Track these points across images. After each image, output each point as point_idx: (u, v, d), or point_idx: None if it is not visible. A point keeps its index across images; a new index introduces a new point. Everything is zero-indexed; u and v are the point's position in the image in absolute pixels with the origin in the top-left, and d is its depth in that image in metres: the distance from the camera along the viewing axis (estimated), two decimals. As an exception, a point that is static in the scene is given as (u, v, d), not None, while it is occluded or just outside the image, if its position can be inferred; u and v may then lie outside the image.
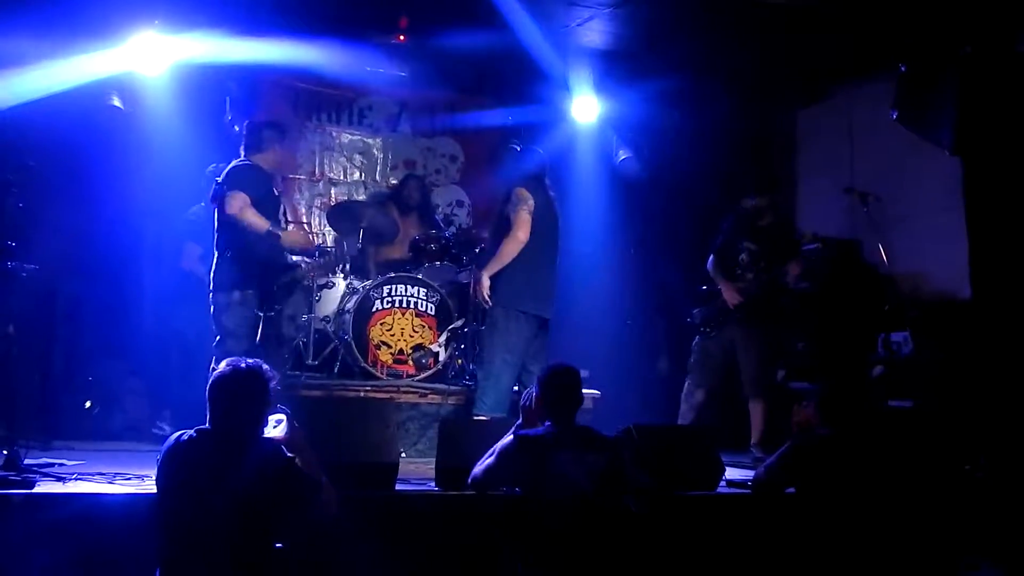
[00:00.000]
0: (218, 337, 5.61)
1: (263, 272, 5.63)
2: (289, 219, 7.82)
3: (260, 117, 7.73)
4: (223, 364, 3.75)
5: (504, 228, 6.13)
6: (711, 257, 6.81)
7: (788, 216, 6.88)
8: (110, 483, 4.69)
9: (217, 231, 5.66)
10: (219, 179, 5.59)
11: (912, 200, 7.41)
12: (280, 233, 5.47)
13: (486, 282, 6.10)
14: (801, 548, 4.43)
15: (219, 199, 5.53)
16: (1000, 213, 6.17)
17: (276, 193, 5.66)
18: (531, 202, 6.11)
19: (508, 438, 4.31)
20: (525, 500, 4.21)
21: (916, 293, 7.17)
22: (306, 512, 3.76)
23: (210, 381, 3.71)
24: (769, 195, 6.70)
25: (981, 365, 6.11)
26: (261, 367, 3.74)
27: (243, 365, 3.71)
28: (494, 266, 6.12)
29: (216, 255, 5.67)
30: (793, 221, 7.04)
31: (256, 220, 5.44)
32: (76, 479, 4.74)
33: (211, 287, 5.61)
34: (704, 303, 6.73)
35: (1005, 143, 5.85)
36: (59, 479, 4.71)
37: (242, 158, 5.65)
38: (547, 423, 4.25)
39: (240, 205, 5.44)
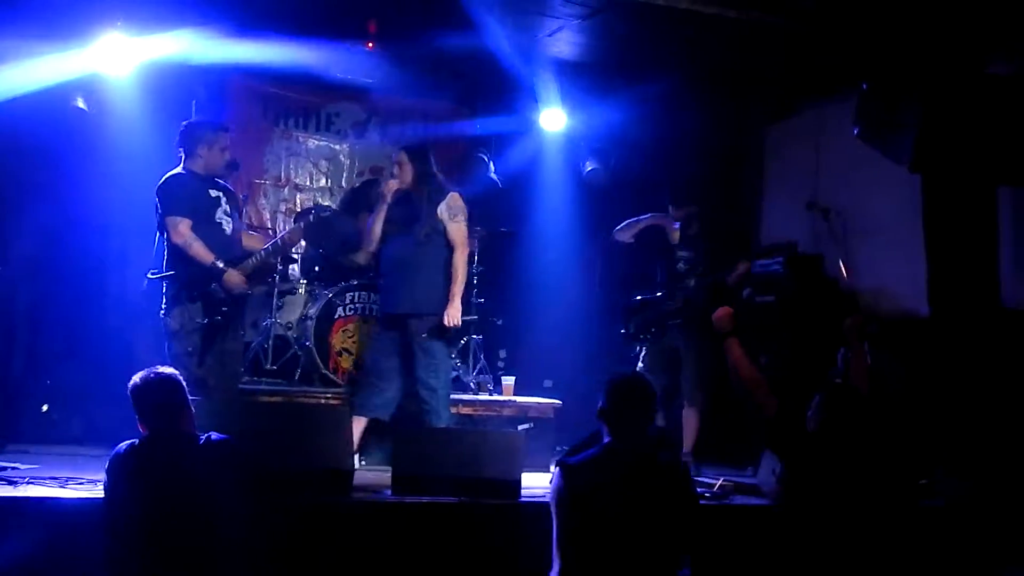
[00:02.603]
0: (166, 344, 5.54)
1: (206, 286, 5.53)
2: (252, 223, 7.82)
3: (220, 118, 7.78)
4: (135, 377, 3.82)
5: (426, 233, 5.89)
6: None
7: (722, 226, 6.86)
8: (62, 487, 4.66)
9: (164, 249, 5.56)
10: (156, 197, 5.50)
11: (874, 216, 7.48)
12: (223, 271, 5.39)
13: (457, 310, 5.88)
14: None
15: (160, 225, 5.48)
16: (958, 231, 6.25)
17: (213, 195, 5.53)
18: (465, 210, 6.00)
19: (554, 472, 3.81)
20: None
21: (876, 308, 7.22)
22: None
23: (129, 394, 3.79)
24: (689, 206, 6.68)
25: (938, 381, 6.18)
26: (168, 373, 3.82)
27: (152, 375, 3.80)
28: (458, 290, 5.89)
29: (164, 271, 5.55)
30: (729, 232, 7.01)
31: (202, 253, 5.37)
32: (28, 483, 4.71)
33: (162, 303, 5.53)
34: (636, 312, 6.69)
35: (963, 161, 5.92)
36: (10, 483, 4.68)
37: (176, 168, 5.56)
38: (606, 439, 3.83)
39: (185, 234, 5.38)
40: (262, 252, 5.61)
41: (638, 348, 6.72)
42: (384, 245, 5.96)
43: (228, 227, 5.57)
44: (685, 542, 3.75)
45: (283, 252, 6.11)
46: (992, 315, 6.23)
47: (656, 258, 6.79)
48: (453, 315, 5.79)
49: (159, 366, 3.86)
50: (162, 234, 5.51)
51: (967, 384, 6.10)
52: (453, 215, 5.92)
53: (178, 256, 5.42)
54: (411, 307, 5.83)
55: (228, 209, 5.60)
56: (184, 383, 3.85)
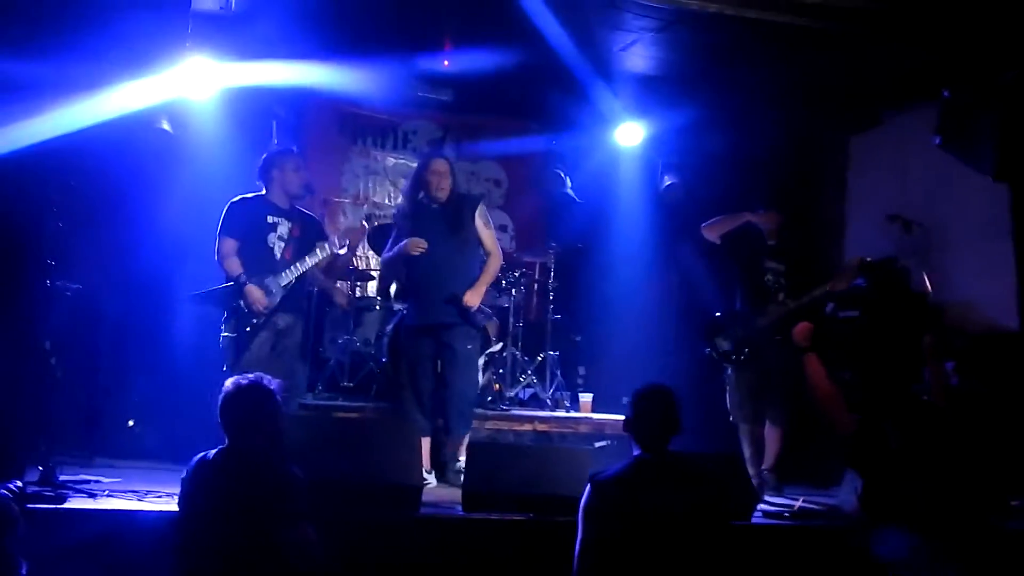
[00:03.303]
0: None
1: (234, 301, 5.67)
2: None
3: (303, 141, 7.94)
4: (227, 383, 3.83)
5: (467, 241, 5.96)
6: (739, 290, 6.48)
7: (806, 234, 6.64)
8: (140, 500, 4.76)
9: None
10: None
11: (960, 229, 7.25)
12: (244, 285, 5.58)
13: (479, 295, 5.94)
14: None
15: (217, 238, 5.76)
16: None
17: (270, 221, 5.74)
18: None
19: (586, 490, 3.88)
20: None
21: (962, 323, 6.99)
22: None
23: (218, 404, 3.80)
24: (775, 210, 6.43)
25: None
26: (261, 379, 3.80)
27: (244, 382, 3.81)
28: (486, 281, 5.98)
29: None
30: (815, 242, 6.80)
31: (232, 267, 5.66)
32: (108, 495, 4.82)
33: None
34: (724, 330, 6.36)
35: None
36: (91, 495, 4.79)
37: (253, 193, 5.84)
38: (635, 452, 3.88)
39: (223, 252, 5.70)
40: (299, 264, 5.71)
41: (727, 369, 6.39)
42: (425, 255, 5.84)
43: (279, 251, 5.74)
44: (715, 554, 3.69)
45: (342, 258, 6.18)
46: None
47: (741, 269, 6.48)
48: (474, 298, 5.83)
49: (252, 374, 3.88)
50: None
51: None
52: (487, 223, 6.01)
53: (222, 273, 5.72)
54: (457, 316, 5.84)
55: (286, 235, 5.75)
56: (275, 391, 3.86)
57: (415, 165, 8.51)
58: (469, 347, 5.89)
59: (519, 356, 7.47)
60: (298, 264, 5.71)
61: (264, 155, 5.93)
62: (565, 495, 4.87)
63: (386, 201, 8.50)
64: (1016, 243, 6.10)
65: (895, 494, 4.14)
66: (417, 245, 5.77)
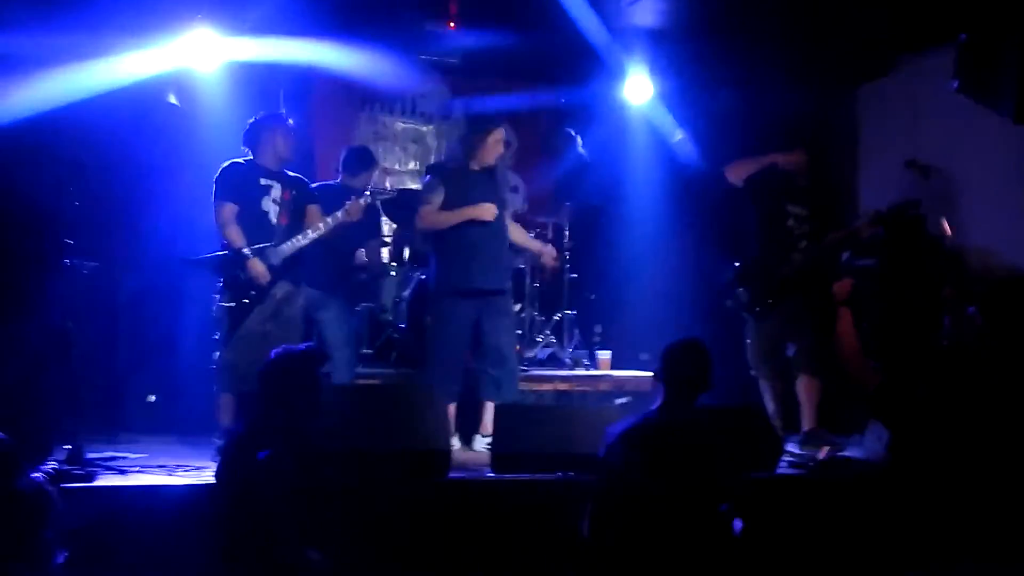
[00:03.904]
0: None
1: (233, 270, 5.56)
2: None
3: (311, 110, 7.88)
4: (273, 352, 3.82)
5: (506, 207, 6.11)
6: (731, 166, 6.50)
7: (827, 178, 6.54)
8: (171, 474, 4.78)
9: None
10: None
11: (978, 173, 7.19)
12: (247, 258, 5.46)
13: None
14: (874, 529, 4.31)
15: (213, 206, 5.63)
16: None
17: (263, 183, 5.63)
18: None
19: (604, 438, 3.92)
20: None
21: (984, 267, 6.95)
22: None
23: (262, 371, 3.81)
24: (802, 150, 6.32)
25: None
26: (310, 348, 3.82)
27: (293, 350, 3.80)
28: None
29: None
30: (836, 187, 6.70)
31: (234, 236, 5.50)
32: (138, 471, 4.84)
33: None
34: (744, 280, 6.23)
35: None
36: (120, 472, 4.81)
37: (241, 156, 5.72)
38: (657, 403, 3.89)
39: (224, 217, 5.55)
40: (302, 236, 5.62)
41: (747, 321, 6.29)
42: (481, 221, 5.83)
43: (274, 216, 5.64)
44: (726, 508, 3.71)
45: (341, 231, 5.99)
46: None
47: (763, 214, 6.33)
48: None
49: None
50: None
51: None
52: (515, 190, 6.02)
53: (219, 239, 5.59)
54: (503, 283, 5.93)
55: (279, 198, 5.65)
56: (318, 364, 3.92)
57: (424, 129, 8.59)
58: (513, 313, 6.08)
59: (536, 316, 7.47)
60: (300, 236, 5.62)
61: (252, 119, 5.80)
62: (594, 453, 4.90)
63: (396, 167, 8.46)
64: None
65: (925, 444, 4.13)
66: (490, 211, 5.80)
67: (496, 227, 5.87)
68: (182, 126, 6.89)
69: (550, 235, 7.80)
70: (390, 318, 6.98)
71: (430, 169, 6.01)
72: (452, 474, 4.84)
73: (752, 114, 8.01)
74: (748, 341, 6.28)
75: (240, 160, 5.71)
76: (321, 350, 4.15)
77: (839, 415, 6.85)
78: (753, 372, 6.24)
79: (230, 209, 5.56)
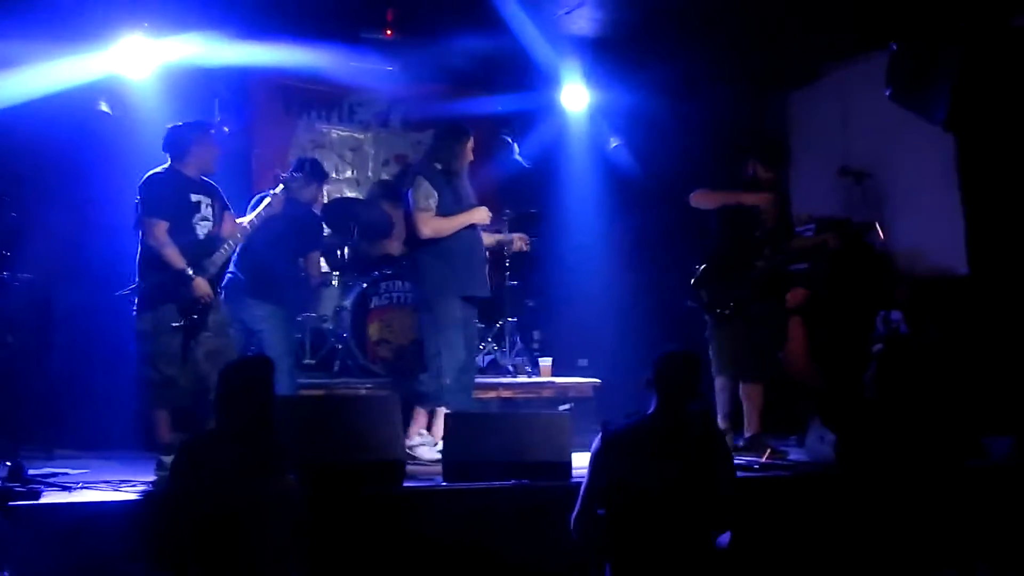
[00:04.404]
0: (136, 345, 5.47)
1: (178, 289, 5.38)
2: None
3: (248, 117, 7.79)
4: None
5: None
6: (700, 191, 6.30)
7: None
8: (116, 490, 4.69)
9: (140, 249, 5.46)
10: (138, 195, 5.44)
11: (907, 179, 7.41)
12: (191, 279, 5.26)
13: None
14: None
15: (139, 224, 5.40)
16: (995, 189, 6.18)
17: (193, 200, 5.43)
18: None
19: (596, 439, 3.96)
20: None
21: (911, 271, 7.16)
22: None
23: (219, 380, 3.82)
24: (776, 170, 6.36)
25: (978, 339, 6.11)
26: (261, 356, 3.82)
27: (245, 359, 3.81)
28: None
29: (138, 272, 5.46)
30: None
31: (174, 258, 5.28)
32: (82, 488, 4.73)
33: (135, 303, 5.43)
34: (709, 283, 6.20)
35: (999, 119, 5.84)
36: (64, 488, 4.70)
37: (164, 165, 5.49)
38: (650, 410, 3.95)
39: (160, 237, 5.30)
40: (232, 241, 5.51)
41: (710, 320, 6.23)
42: (471, 229, 5.93)
43: (203, 232, 5.47)
44: (721, 514, 3.79)
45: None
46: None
47: (729, 220, 6.27)
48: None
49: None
50: (139, 234, 5.44)
51: (1007, 342, 6.04)
52: None
53: (152, 258, 5.34)
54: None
55: (209, 213, 5.49)
56: (269, 372, 3.87)
57: (361, 137, 8.54)
58: None
59: (478, 323, 7.47)
60: (231, 242, 5.50)
61: (173, 126, 5.57)
62: (546, 460, 4.93)
63: (334, 175, 8.38)
64: (962, 191, 6.24)
65: (872, 444, 4.25)
66: (487, 214, 5.95)
67: (480, 232, 6.03)
68: (117, 134, 6.76)
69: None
70: (331, 327, 6.92)
71: (420, 173, 5.90)
72: (407, 483, 4.82)
73: (686, 120, 8.15)
74: (710, 343, 6.22)
75: (161, 171, 5.47)
76: (266, 357, 4.13)
77: (778, 417, 7.00)
78: (714, 371, 6.24)
79: (163, 227, 5.31)
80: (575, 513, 3.89)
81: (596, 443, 3.89)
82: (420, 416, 5.83)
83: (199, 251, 5.39)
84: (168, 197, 5.37)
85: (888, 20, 6.44)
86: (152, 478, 4.99)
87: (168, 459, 5.06)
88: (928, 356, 5.07)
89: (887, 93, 6.13)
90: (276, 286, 6.11)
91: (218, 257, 5.45)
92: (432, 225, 5.79)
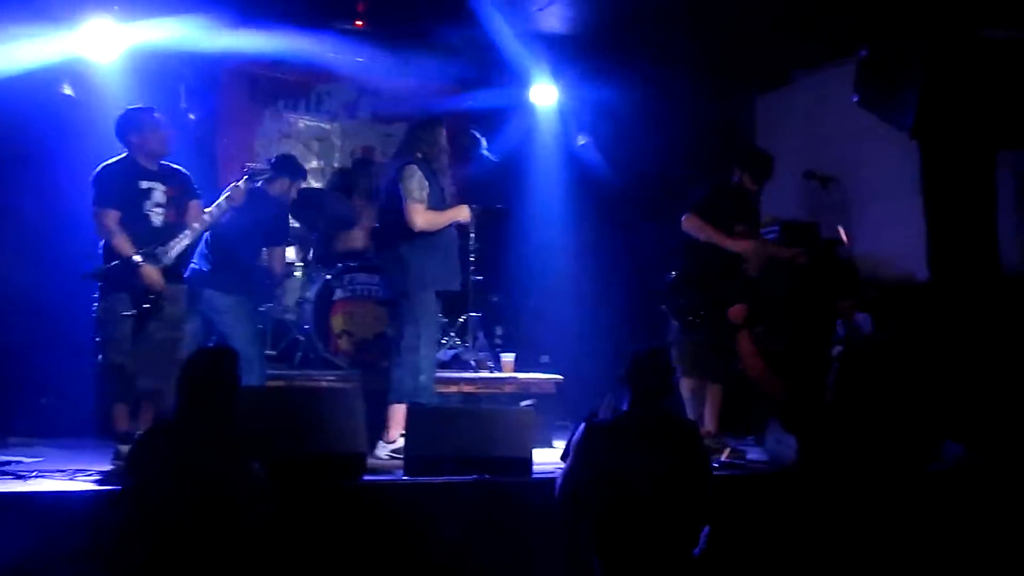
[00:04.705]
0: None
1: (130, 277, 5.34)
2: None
3: (214, 105, 7.71)
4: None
5: None
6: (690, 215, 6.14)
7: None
8: (71, 480, 4.64)
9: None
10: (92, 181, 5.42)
11: (869, 185, 7.49)
12: (139, 266, 5.22)
13: None
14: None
15: (93, 212, 5.38)
16: (957, 196, 6.24)
17: (143, 187, 5.37)
18: None
19: (580, 428, 4.05)
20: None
21: (875, 275, 7.23)
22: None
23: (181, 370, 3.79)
24: (761, 185, 6.31)
25: (938, 346, 6.17)
26: (224, 346, 3.80)
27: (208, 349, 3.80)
28: None
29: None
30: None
31: (122, 245, 5.26)
32: (36, 477, 4.67)
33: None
34: (682, 290, 6.21)
35: (964, 127, 5.90)
36: (19, 477, 4.64)
37: (121, 155, 5.45)
38: (625, 406, 4.01)
39: (109, 226, 5.29)
40: (190, 231, 5.42)
41: (678, 326, 6.23)
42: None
43: (158, 220, 5.41)
44: (700, 509, 3.85)
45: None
46: (992, 281, 6.23)
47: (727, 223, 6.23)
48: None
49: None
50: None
51: (966, 349, 6.10)
52: None
53: (105, 246, 5.35)
54: None
55: (164, 200, 5.42)
56: (232, 362, 3.87)
57: (328, 127, 8.49)
58: None
59: (441, 318, 7.45)
60: (188, 232, 5.42)
61: (120, 114, 5.52)
62: (507, 456, 4.93)
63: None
64: (925, 198, 6.29)
65: (833, 448, 4.27)
66: (468, 213, 6.01)
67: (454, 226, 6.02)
68: (79, 118, 6.67)
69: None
70: (293, 319, 6.88)
71: (412, 163, 5.79)
72: (367, 477, 4.80)
73: (654, 119, 8.18)
74: (675, 344, 6.20)
75: (114, 161, 5.44)
76: (229, 348, 4.12)
77: (736, 417, 7.05)
78: (678, 371, 6.22)
79: (113, 217, 5.30)
80: (561, 478, 3.97)
81: (579, 432, 3.94)
82: (399, 415, 5.64)
83: (152, 239, 5.33)
84: (116, 186, 5.34)
85: (858, 28, 6.49)
86: (108, 467, 4.94)
87: (125, 448, 5.05)
88: (888, 360, 5.08)
89: (855, 99, 6.17)
90: (240, 277, 6.05)
91: (175, 245, 5.36)
92: (426, 217, 5.74)
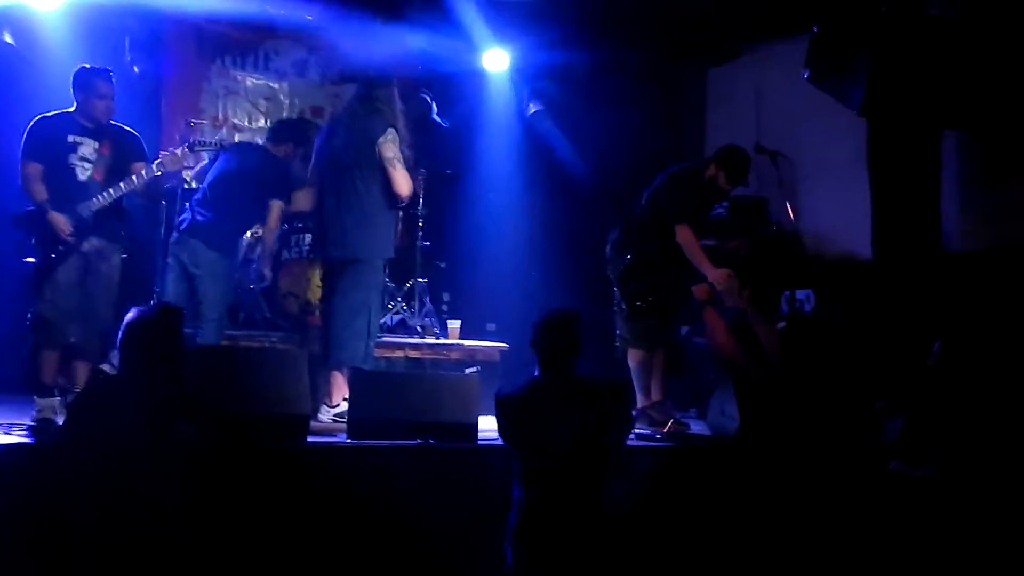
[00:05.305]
0: None
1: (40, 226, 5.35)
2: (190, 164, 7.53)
3: (159, 59, 7.55)
4: (131, 312, 3.75)
5: None
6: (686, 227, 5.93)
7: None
8: (7, 433, 4.56)
9: None
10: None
11: (816, 161, 7.55)
12: (47, 212, 5.24)
13: None
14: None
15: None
16: (902, 174, 6.31)
17: (70, 140, 5.36)
18: None
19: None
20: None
21: (819, 251, 7.31)
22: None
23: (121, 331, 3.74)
24: (734, 186, 6.21)
25: (880, 322, 6.27)
26: (166, 306, 3.75)
27: (148, 309, 3.84)
28: None
29: None
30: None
31: (33, 192, 5.33)
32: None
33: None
34: (634, 276, 6.10)
35: (911, 106, 5.96)
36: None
37: (59, 109, 5.47)
38: (535, 372, 4.05)
39: (26, 175, 5.35)
40: (113, 189, 5.38)
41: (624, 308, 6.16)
42: None
43: (84, 173, 5.39)
44: (609, 467, 3.91)
45: (157, 184, 5.76)
46: (934, 258, 6.33)
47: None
48: None
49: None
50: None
51: (908, 326, 6.20)
52: None
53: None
54: None
55: (92, 156, 5.39)
56: (173, 321, 3.86)
57: (276, 86, 8.34)
58: None
59: (387, 283, 7.39)
60: (111, 190, 5.37)
61: (77, 69, 5.48)
62: (452, 422, 4.92)
63: (246, 123, 8.19)
64: (871, 176, 6.35)
65: (773, 418, 4.33)
66: None
67: None
68: (19, 67, 6.50)
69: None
70: (238, 278, 6.77)
71: (391, 125, 5.67)
72: (310, 439, 4.77)
73: (607, 90, 8.17)
74: (619, 319, 6.21)
75: (51, 114, 5.44)
76: (172, 307, 4.05)
77: (678, 390, 7.10)
78: (618, 344, 6.25)
79: (34, 168, 5.34)
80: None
81: (496, 414, 4.01)
82: (341, 379, 5.60)
83: (75, 193, 5.33)
84: (43, 139, 5.38)
85: (808, 3, 6.51)
86: (28, 422, 4.87)
87: (44, 401, 5.03)
88: (831, 335, 5.15)
89: (805, 75, 6.21)
90: (228, 235, 6.06)
91: (97, 202, 5.35)
92: (410, 183, 5.70)
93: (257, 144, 5.71)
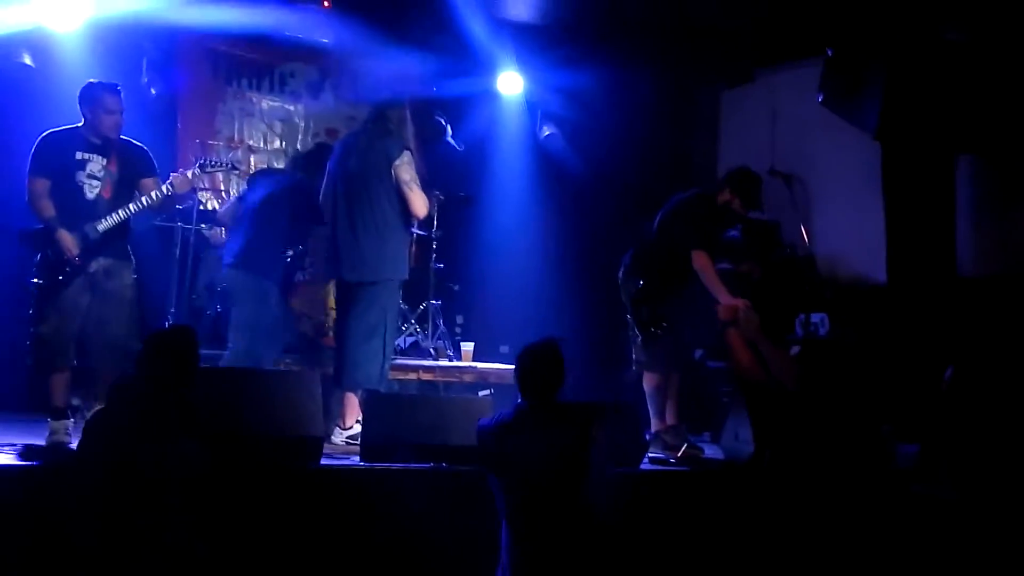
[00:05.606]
0: None
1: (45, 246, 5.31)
2: (205, 185, 7.54)
3: (175, 80, 7.60)
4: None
5: None
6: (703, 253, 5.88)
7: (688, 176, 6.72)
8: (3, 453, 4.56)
9: None
10: None
11: (829, 184, 7.56)
12: (55, 230, 5.19)
13: None
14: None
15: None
16: (917, 199, 6.31)
17: (79, 157, 5.31)
18: None
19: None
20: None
21: (833, 274, 7.30)
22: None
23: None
24: (748, 211, 6.19)
25: (893, 346, 6.25)
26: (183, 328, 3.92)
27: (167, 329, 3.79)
28: None
29: None
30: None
31: (41, 209, 5.26)
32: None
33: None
34: (647, 301, 6.05)
35: (925, 130, 5.96)
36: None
37: (68, 125, 5.43)
38: (518, 401, 4.05)
39: (33, 192, 5.29)
40: (122, 211, 5.34)
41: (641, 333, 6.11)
42: None
43: (92, 191, 5.34)
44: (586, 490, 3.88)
45: (170, 204, 5.75)
46: (948, 283, 6.32)
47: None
48: None
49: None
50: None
51: (921, 350, 6.18)
52: None
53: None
54: None
55: (100, 173, 5.35)
56: (187, 343, 3.87)
57: (291, 108, 8.39)
58: None
59: (401, 305, 7.41)
60: (120, 211, 5.33)
61: (84, 84, 5.45)
62: (464, 444, 4.89)
63: (261, 144, 8.24)
64: (885, 200, 6.36)
65: (788, 444, 4.32)
66: None
67: None
68: (38, 89, 6.54)
69: (417, 224, 7.76)
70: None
71: (407, 148, 5.70)
72: (324, 461, 4.77)
73: (621, 112, 8.19)
74: (634, 345, 6.16)
75: (60, 129, 5.39)
76: (186, 328, 4.07)
77: (693, 414, 7.08)
78: (635, 368, 6.22)
79: (41, 185, 5.28)
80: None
81: (477, 443, 4.04)
82: (355, 401, 5.60)
83: (83, 211, 5.30)
84: (51, 155, 5.33)
85: (823, 28, 6.53)
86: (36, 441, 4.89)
87: (57, 424, 5.02)
88: (845, 360, 5.15)
89: (820, 99, 6.22)
90: (253, 254, 6.04)
91: (106, 221, 5.30)
92: (427, 204, 5.76)
93: (282, 169, 5.72)
